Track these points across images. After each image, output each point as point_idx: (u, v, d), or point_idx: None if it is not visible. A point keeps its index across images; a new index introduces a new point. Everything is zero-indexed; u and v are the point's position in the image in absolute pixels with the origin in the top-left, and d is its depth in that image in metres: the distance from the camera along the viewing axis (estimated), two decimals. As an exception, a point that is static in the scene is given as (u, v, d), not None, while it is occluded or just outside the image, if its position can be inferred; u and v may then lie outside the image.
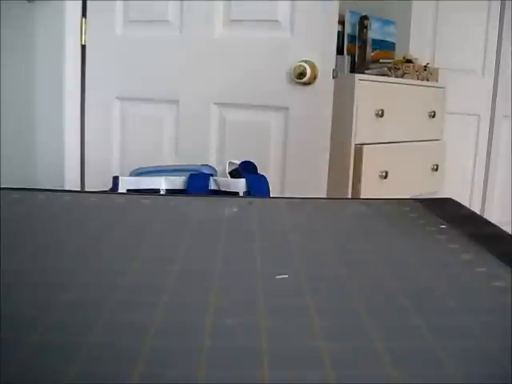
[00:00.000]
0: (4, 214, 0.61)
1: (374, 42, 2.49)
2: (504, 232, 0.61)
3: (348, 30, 2.40)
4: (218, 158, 1.93)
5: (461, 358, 0.31)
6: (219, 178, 1.62)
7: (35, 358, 0.30)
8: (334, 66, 1.77)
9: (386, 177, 2.11)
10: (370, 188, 2.05)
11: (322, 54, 1.77)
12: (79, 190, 2.00)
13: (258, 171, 1.70)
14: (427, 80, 2.45)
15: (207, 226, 0.59)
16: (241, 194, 1.55)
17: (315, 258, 0.49)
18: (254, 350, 0.32)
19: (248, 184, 1.58)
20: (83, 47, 2.04)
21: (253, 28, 1.84)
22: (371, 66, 2.38)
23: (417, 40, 2.76)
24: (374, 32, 2.49)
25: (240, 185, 1.57)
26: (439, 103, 2.48)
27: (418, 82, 2.36)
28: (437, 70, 2.56)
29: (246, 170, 1.68)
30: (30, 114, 2.06)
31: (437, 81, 2.53)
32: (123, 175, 1.66)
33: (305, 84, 1.78)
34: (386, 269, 0.46)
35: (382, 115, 2.10)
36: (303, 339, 0.33)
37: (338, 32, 1.86)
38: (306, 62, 1.76)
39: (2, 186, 0.79)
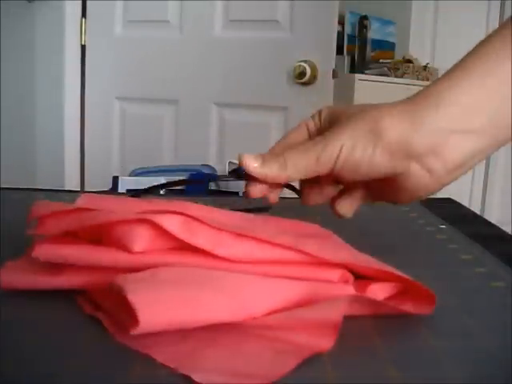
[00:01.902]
0: (4, 214, 0.61)
1: (374, 42, 2.49)
2: (504, 232, 0.61)
3: (348, 30, 2.40)
4: (218, 158, 1.93)
5: (461, 358, 0.31)
6: (219, 178, 1.62)
7: (33, 357, 0.30)
8: (333, 66, 1.77)
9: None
10: (370, 188, 2.05)
11: (322, 54, 1.77)
12: (79, 189, 2.00)
13: (258, 171, 1.70)
14: (427, 80, 2.45)
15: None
16: (240, 194, 1.55)
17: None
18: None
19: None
20: (83, 47, 2.04)
21: (252, 28, 1.84)
22: (371, 66, 2.39)
23: (417, 40, 2.76)
24: (374, 32, 2.49)
25: (239, 185, 1.57)
26: (439, 103, 2.48)
27: (418, 82, 2.36)
28: (437, 69, 2.56)
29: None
30: (29, 114, 2.06)
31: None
32: (123, 175, 1.66)
33: (305, 84, 1.78)
34: (385, 269, 0.46)
35: (381, 115, 2.10)
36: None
37: (338, 32, 1.86)
38: (305, 62, 1.76)
39: (2, 186, 0.79)
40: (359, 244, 0.44)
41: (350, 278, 0.39)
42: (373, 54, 2.48)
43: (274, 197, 0.50)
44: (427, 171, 0.43)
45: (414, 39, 2.76)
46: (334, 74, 1.77)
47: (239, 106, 1.89)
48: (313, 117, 0.50)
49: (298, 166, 0.45)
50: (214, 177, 1.60)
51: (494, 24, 2.69)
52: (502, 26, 0.45)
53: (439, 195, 0.55)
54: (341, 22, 2.27)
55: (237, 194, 1.55)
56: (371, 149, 0.43)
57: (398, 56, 2.58)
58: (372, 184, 0.47)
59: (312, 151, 0.44)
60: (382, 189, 0.47)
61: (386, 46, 2.58)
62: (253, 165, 0.47)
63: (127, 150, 2.04)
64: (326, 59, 1.77)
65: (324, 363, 0.30)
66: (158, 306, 0.31)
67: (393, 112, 0.44)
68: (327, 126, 0.48)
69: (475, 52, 0.45)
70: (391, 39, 2.63)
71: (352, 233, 0.56)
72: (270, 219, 0.47)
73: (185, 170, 1.66)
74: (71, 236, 0.40)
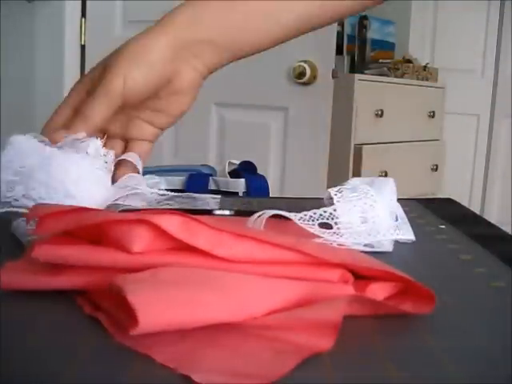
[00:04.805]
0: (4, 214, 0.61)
1: (374, 42, 2.49)
2: (504, 232, 0.61)
3: (347, 30, 2.40)
4: (218, 158, 1.93)
5: (461, 358, 0.31)
6: (218, 178, 1.62)
7: (34, 357, 0.30)
8: (333, 66, 1.77)
9: (385, 177, 2.11)
10: (370, 188, 2.05)
11: (322, 54, 1.77)
12: (79, 190, 1.99)
13: (258, 171, 1.70)
14: (427, 80, 2.45)
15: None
16: (240, 194, 1.55)
17: (315, 258, 0.49)
18: (254, 350, 0.32)
19: (247, 184, 1.58)
20: (83, 47, 2.04)
21: (252, 28, 1.84)
22: (371, 66, 2.39)
23: (416, 40, 2.76)
24: (374, 32, 2.49)
25: (239, 185, 1.57)
26: (439, 103, 2.48)
27: (418, 82, 2.36)
28: (436, 69, 2.56)
29: (245, 170, 1.68)
30: (30, 114, 2.06)
31: (436, 81, 2.53)
32: (123, 175, 1.65)
33: (304, 84, 1.78)
34: (385, 269, 0.46)
35: (381, 115, 2.10)
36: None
37: (338, 32, 1.86)
38: (305, 62, 1.76)
39: (2, 186, 0.78)
40: (359, 244, 0.44)
41: (350, 278, 0.39)
42: (372, 54, 2.48)
43: None
44: (193, 70, 0.58)
45: (413, 39, 2.76)
46: (334, 74, 1.77)
47: (239, 106, 1.89)
48: (84, 83, 0.57)
49: (98, 112, 0.52)
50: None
51: (494, 24, 2.69)
52: None
53: (439, 195, 0.55)
54: (340, 22, 2.27)
55: (237, 194, 1.55)
56: (143, 68, 0.53)
57: (398, 56, 2.58)
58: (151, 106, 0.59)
59: (102, 92, 0.52)
60: (159, 108, 0.60)
61: (385, 46, 2.58)
62: (62, 136, 0.54)
63: (127, 150, 2.04)
64: (325, 59, 1.77)
65: (324, 363, 0.30)
66: (158, 307, 0.31)
67: (147, 35, 0.55)
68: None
69: None
70: (391, 39, 2.63)
71: (352, 233, 0.56)
72: (270, 220, 0.47)
73: (184, 170, 1.66)
74: (71, 236, 0.40)
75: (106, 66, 0.55)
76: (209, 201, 0.65)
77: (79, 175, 0.51)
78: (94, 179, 0.52)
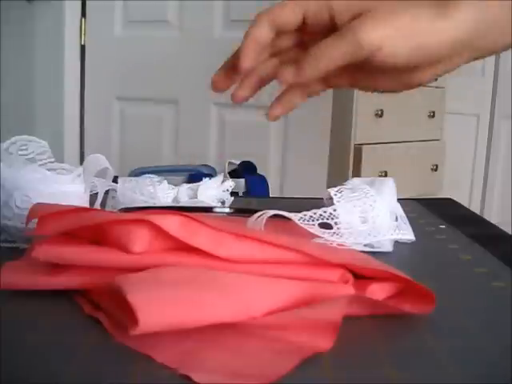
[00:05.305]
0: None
1: (374, 42, 2.48)
2: (504, 232, 0.61)
3: (348, 30, 2.40)
4: (218, 158, 1.93)
5: (461, 358, 0.31)
6: (219, 178, 1.62)
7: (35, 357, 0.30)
8: (333, 66, 1.77)
9: (385, 177, 2.11)
10: (370, 188, 2.05)
11: (322, 54, 1.76)
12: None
13: (258, 171, 1.70)
14: (427, 80, 2.44)
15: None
16: (240, 194, 1.55)
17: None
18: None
19: (247, 184, 1.58)
20: (83, 47, 2.04)
21: (252, 28, 1.84)
22: (371, 66, 2.38)
23: (416, 40, 2.75)
24: (374, 32, 2.49)
25: (239, 185, 1.57)
26: (439, 103, 2.48)
27: (418, 82, 2.36)
28: (436, 70, 2.55)
29: (245, 170, 1.68)
30: (29, 114, 2.06)
31: (436, 81, 2.53)
32: (123, 175, 1.66)
33: (304, 84, 1.78)
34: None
35: (381, 115, 2.10)
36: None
37: (338, 32, 1.85)
38: (305, 62, 1.76)
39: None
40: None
41: (350, 278, 0.39)
42: (373, 54, 2.48)
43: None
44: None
45: (413, 39, 2.75)
46: (334, 74, 1.77)
47: (239, 106, 1.89)
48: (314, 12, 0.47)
49: (334, 59, 0.44)
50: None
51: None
52: None
53: (439, 195, 0.55)
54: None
55: (236, 194, 1.55)
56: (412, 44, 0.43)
57: (398, 56, 2.58)
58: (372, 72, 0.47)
59: (351, 42, 0.43)
60: (376, 76, 0.48)
61: (385, 46, 2.58)
62: (291, 76, 0.48)
63: (127, 150, 2.04)
64: (325, 59, 1.77)
65: (324, 363, 0.30)
66: (158, 307, 0.31)
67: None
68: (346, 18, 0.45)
69: None
70: (391, 39, 2.63)
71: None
72: (270, 220, 0.47)
73: (184, 170, 1.66)
74: (71, 236, 0.40)
75: (355, 14, 0.44)
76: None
77: None
78: None
